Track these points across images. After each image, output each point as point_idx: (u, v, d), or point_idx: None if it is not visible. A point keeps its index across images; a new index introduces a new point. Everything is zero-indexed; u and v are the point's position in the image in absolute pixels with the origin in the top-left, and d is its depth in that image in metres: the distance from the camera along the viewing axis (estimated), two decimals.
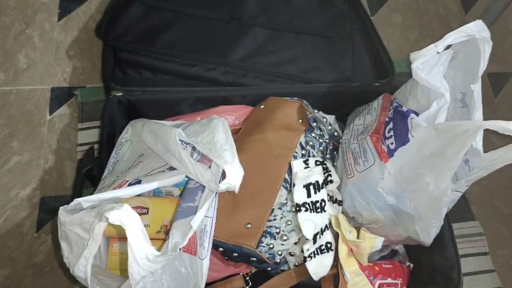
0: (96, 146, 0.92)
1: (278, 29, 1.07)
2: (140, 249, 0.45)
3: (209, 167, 0.56)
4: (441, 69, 0.75)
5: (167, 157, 0.58)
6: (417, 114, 0.72)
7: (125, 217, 0.44)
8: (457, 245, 0.75)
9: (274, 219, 0.71)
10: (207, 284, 0.73)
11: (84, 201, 0.52)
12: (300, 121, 0.81)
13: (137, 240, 0.45)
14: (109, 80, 0.92)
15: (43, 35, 1.13)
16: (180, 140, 0.56)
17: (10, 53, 1.09)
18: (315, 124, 0.80)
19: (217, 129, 0.58)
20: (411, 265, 0.82)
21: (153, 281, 0.51)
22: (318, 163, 0.76)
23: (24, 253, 0.91)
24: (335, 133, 0.84)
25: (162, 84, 0.96)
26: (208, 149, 0.55)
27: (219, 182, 0.57)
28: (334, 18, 1.11)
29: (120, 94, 0.87)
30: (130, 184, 0.57)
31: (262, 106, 0.85)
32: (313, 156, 0.78)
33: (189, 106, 0.89)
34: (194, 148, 0.61)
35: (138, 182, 0.57)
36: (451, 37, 0.71)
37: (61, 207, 0.51)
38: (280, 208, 0.72)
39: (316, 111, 0.83)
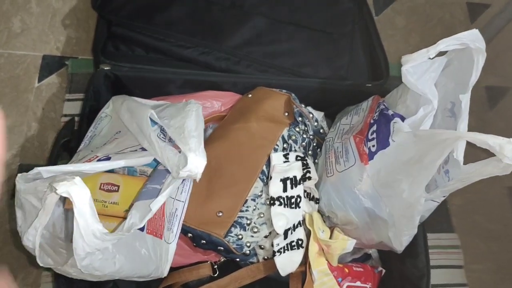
0: (77, 118, 0.91)
1: (279, 20, 1.05)
2: (86, 224, 0.44)
3: (180, 152, 0.55)
4: (432, 75, 0.74)
5: (140, 138, 0.57)
6: (403, 119, 0.71)
7: (74, 190, 0.43)
8: (429, 255, 0.74)
9: (247, 210, 0.70)
10: (173, 269, 0.73)
11: (45, 171, 0.51)
12: (286, 114, 0.80)
13: (84, 215, 0.44)
14: (99, 53, 0.91)
15: (41, 1, 1.11)
16: (152, 121, 0.55)
17: (5, 15, 1.08)
18: (300, 119, 0.79)
19: (190, 114, 0.57)
20: (383, 271, 0.82)
21: (103, 258, 0.50)
22: (298, 158, 0.75)
23: None
24: (321, 130, 0.83)
25: (154, 63, 0.94)
26: (177, 133, 0.54)
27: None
28: (337, 15, 1.09)
29: (108, 68, 0.85)
30: (99, 160, 0.56)
31: (250, 95, 0.83)
32: (295, 151, 0.76)
33: (177, 88, 0.88)
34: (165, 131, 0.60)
35: (108, 159, 0.56)
36: (444, 44, 0.70)
37: (19, 174, 0.50)
38: (254, 200, 0.71)
39: (303, 106, 0.82)
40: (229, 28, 1.00)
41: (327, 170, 0.77)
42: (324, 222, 0.77)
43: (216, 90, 0.87)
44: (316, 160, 0.81)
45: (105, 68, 0.84)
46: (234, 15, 1.03)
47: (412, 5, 1.22)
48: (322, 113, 0.88)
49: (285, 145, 0.76)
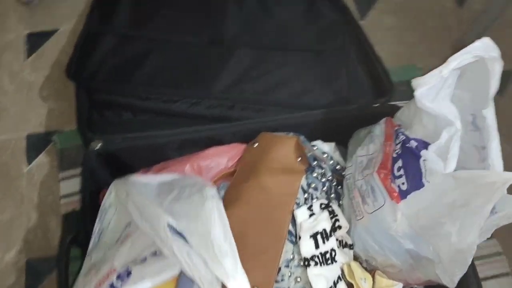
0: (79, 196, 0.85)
1: (264, 48, 1.00)
2: None
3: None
4: (447, 92, 0.68)
5: (159, 243, 0.51)
6: (426, 145, 0.66)
7: None
8: (481, 282, 0.69)
9: (282, 280, 0.65)
10: None
11: None
12: (299, 159, 0.74)
13: None
14: (85, 129, 0.85)
15: (13, 77, 1.05)
16: (170, 227, 0.49)
17: None
18: (315, 162, 0.74)
19: (212, 218, 0.51)
20: None
21: None
22: (323, 206, 0.70)
23: None
24: (337, 167, 0.78)
25: (145, 126, 0.89)
26: (203, 247, 0.48)
27: None
28: (323, 30, 1.03)
29: (100, 144, 0.79)
30: (118, 277, 0.51)
31: (256, 145, 0.77)
32: (317, 198, 0.71)
33: (176, 150, 0.82)
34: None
35: (128, 273, 0.51)
36: (457, 60, 0.64)
37: None
38: (287, 266, 0.66)
39: (315, 147, 0.76)
40: (214, 69, 0.94)
41: (355, 213, 0.72)
42: (364, 267, 0.72)
43: (217, 145, 0.81)
44: (340, 201, 0.75)
45: (96, 148, 0.77)
46: (216, 53, 0.98)
47: (397, 1, 1.17)
48: (332, 144, 0.83)
49: (306, 196, 0.70)
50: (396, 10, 1.15)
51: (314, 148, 0.75)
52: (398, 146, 0.67)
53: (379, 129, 0.78)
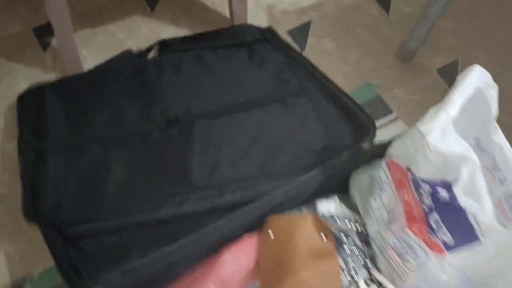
0: None
1: (224, 113, 0.93)
2: None
3: None
4: (451, 126, 0.67)
5: None
6: (448, 187, 0.63)
7: None
8: None
9: None
10: None
11: None
12: (324, 237, 0.69)
13: None
14: (69, 273, 0.73)
15: None
16: None
17: None
18: (341, 234, 0.69)
19: None
20: None
21: None
22: (368, 282, 0.66)
23: None
24: (359, 229, 0.74)
25: (134, 245, 0.78)
26: None
27: None
28: (274, 75, 0.99)
29: None
30: None
31: (272, 236, 0.71)
32: (360, 275, 0.67)
33: (184, 265, 0.73)
34: None
35: None
36: (460, 98, 0.63)
37: None
38: None
39: (337, 220, 0.71)
40: (183, 154, 0.87)
41: (397, 274, 0.68)
42: None
43: (226, 242, 0.74)
44: (377, 265, 0.71)
45: None
46: (177, 134, 0.90)
47: (328, 22, 1.15)
48: (336, 199, 0.79)
49: (349, 278, 0.66)
50: (330, 32, 1.14)
51: (338, 222, 0.71)
52: (426, 198, 0.65)
53: (383, 174, 0.75)
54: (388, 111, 1.04)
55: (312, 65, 0.99)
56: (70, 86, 0.97)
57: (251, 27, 1.06)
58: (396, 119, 1.03)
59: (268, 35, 1.05)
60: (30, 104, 0.95)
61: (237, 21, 1.06)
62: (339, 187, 0.83)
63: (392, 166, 0.74)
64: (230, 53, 1.00)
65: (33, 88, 0.98)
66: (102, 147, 0.87)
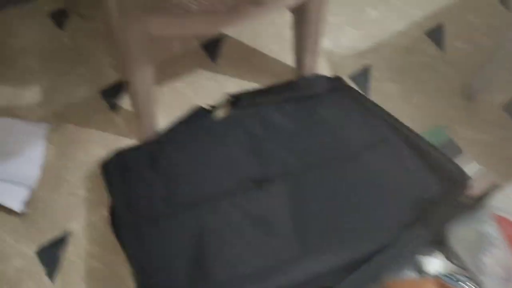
0: None
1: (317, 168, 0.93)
2: None
3: None
4: None
5: None
6: None
7: None
8: None
9: None
10: None
11: None
12: None
13: None
14: None
15: None
16: None
17: None
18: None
19: None
20: None
21: None
22: None
23: None
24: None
25: None
26: None
27: None
28: (359, 125, 1.00)
29: None
30: None
31: None
32: None
33: None
34: None
35: None
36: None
37: None
38: None
39: (452, 278, 0.73)
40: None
41: None
42: None
43: None
44: None
45: None
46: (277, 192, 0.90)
47: (387, 66, 1.16)
48: (439, 254, 0.80)
49: None
50: (390, 75, 1.15)
51: (459, 283, 0.72)
52: None
53: (492, 229, 0.77)
54: (459, 151, 1.06)
55: (388, 114, 1.00)
56: (151, 152, 0.97)
57: (321, 77, 1.07)
58: (469, 159, 1.04)
59: (337, 84, 1.07)
60: (115, 173, 0.95)
61: (307, 72, 1.06)
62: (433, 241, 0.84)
63: (502, 222, 0.76)
64: (308, 105, 1.01)
65: (114, 156, 0.97)
66: (195, 217, 0.87)
